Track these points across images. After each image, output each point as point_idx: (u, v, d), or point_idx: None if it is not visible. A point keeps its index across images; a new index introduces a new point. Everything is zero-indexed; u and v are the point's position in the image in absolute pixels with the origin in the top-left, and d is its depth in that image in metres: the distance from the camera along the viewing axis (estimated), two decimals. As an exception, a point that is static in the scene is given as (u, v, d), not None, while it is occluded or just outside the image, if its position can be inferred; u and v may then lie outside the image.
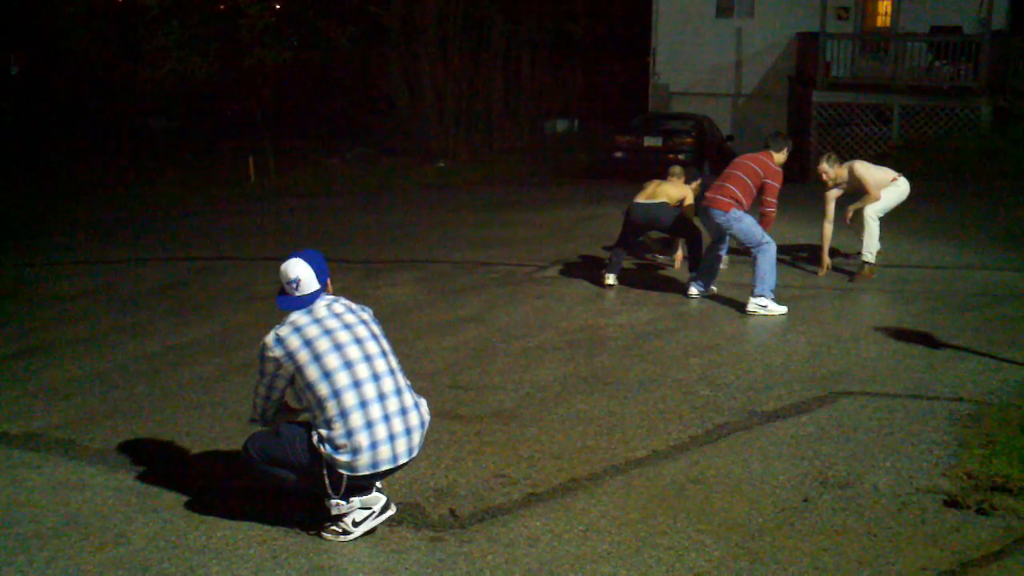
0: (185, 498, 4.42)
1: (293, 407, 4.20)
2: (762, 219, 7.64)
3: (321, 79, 27.98)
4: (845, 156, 9.31)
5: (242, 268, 10.04)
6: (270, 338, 3.93)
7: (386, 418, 3.87)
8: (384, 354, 3.99)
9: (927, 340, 6.58)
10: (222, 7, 23.06)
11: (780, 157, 7.75)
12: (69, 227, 14.22)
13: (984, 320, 7.13)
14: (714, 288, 8.11)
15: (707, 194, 7.77)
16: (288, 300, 4.00)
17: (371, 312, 4.14)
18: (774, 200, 7.68)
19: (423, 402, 4.09)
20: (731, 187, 7.57)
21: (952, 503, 4.15)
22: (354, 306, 4.09)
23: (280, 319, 4.00)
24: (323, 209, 15.78)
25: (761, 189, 7.63)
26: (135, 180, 20.50)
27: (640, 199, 8.43)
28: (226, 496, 4.42)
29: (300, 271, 3.98)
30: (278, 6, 23.51)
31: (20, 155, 23.06)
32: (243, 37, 21.84)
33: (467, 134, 24.94)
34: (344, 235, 12.17)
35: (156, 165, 22.57)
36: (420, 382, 4.33)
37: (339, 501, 3.90)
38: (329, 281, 4.10)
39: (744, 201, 7.56)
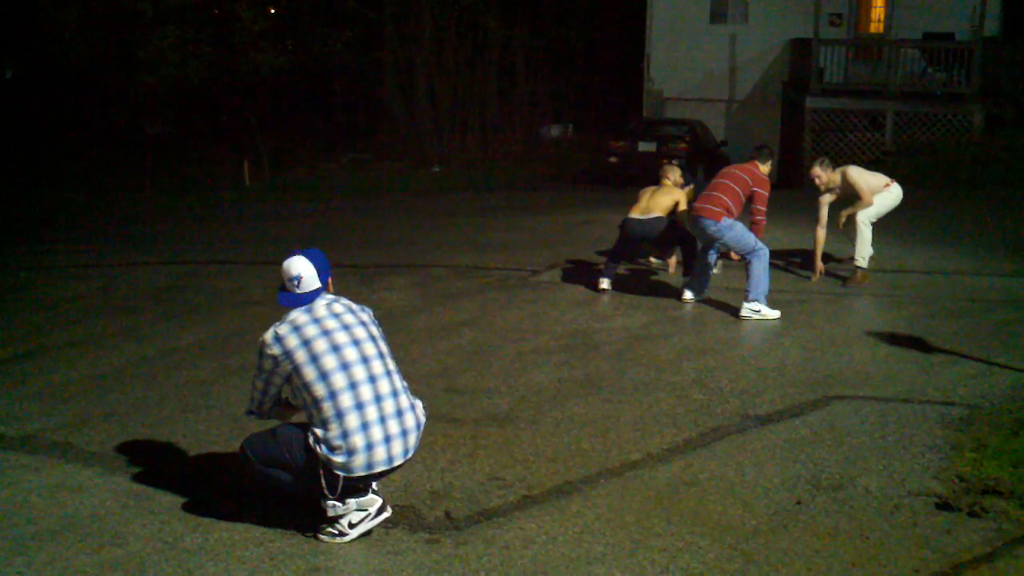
0: (182, 500, 4.44)
1: (292, 403, 4.22)
2: (752, 228, 7.70)
3: (317, 84, 28.00)
4: (838, 162, 9.36)
5: (237, 272, 10.05)
6: (269, 335, 3.95)
7: (382, 420, 3.89)
8: (382, 356, 4.01)
9: (919, 344, 6.63)
10: (217, 12, 23.10)
11: (765, 168, 7.98)
12: (63, 231, 14.22)
13: (976, 325, 7.18)
14: (707, 293, 8.15)
15: (696, 204, 7.82)
16: (289, 297, 4.01)
17: (371, 313, 4.16)
18: (764, 208, 7.82)
19: (419, 404, 4.11)
20: (721, 196, 7.62)
21: (944, 506, 4.18)
22: (354, 306, 4.11)
23: (278, 318, 4.02)
24: (318, 213, 15.80)
25: (750, 198, 7.75)
26: (130, 184, 20.49)
27: (635, 214, 8.42)
28: (223, 498, 4.44)
29: (302, 268, 4.00)
30: (273, 11, 23.56)
31: (13, 159, 23.01)
32: (238, 42, 21.89)
33: (462, 139, 25.02)
34: (339, 239, 12.19)
35: (151, 169, 22.54)
36: (415, 385, 4.35)
37: (335, 502, 3.92)
38: (330, 280, 4.12)
39: (734, 209, 7.61)
